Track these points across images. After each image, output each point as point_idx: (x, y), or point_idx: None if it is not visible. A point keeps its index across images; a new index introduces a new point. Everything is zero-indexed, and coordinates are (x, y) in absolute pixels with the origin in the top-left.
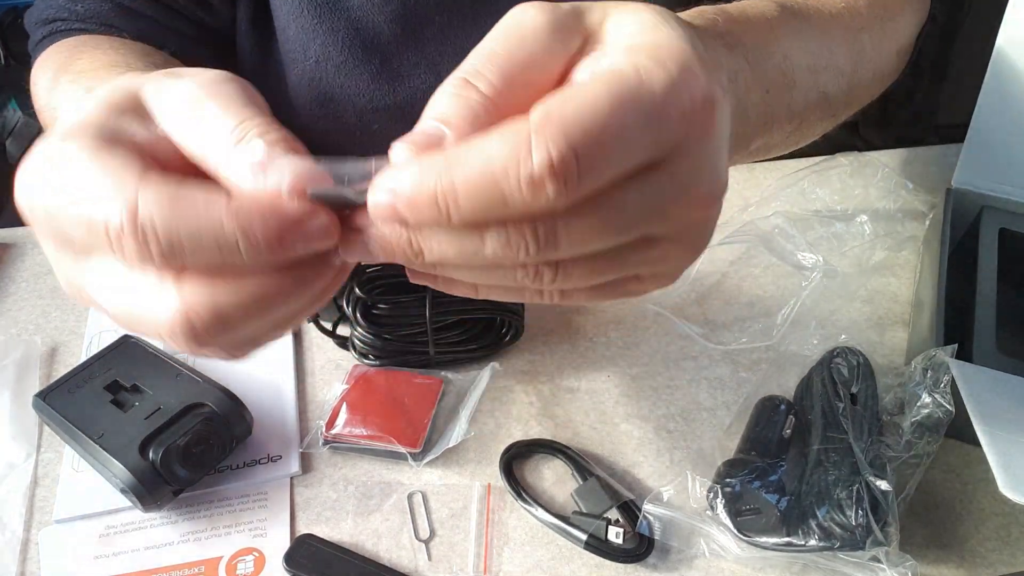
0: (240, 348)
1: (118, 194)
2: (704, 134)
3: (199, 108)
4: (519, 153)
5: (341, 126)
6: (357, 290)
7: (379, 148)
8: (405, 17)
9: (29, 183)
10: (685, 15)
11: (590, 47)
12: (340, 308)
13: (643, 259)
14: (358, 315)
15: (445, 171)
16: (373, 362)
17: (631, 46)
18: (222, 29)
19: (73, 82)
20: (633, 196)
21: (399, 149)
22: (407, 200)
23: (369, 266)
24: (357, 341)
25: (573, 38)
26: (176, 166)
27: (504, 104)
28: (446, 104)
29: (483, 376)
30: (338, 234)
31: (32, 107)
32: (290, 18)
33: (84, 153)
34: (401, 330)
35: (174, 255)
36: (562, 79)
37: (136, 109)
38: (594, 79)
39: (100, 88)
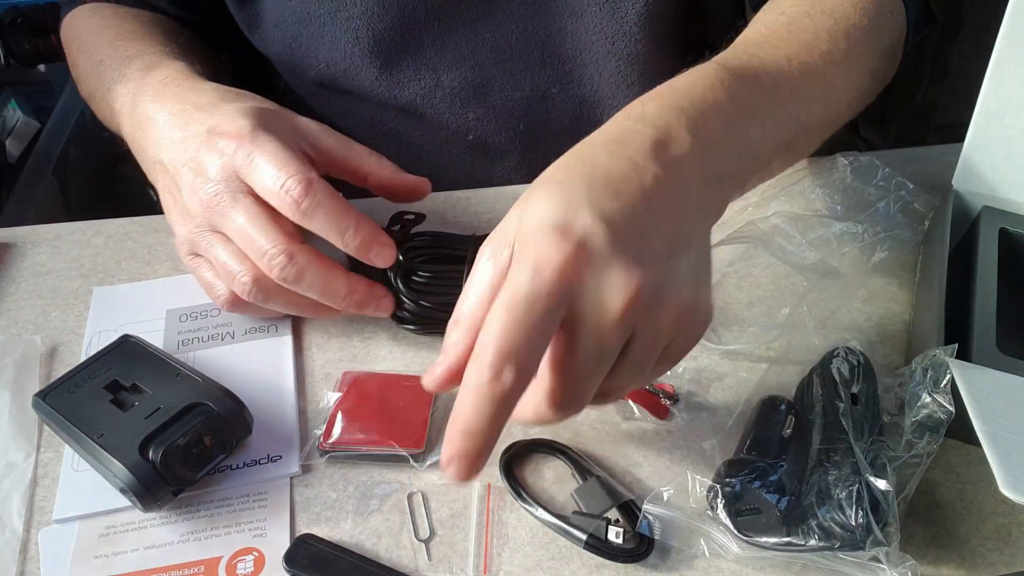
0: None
1: (306, 169)
2: None
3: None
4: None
5: (359, 119)
6: (401, 257)
7: (395, 141)
8: (403, 26)
9: (253, 122)
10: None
11: None
12: (383, 274)
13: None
14: (399, 282)
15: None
16: (411, 328)
17: None
18: (225, 29)
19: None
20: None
21: None
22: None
23: (417, 235)
24: (398, 308)
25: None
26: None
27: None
28: None
29: None
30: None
31: (32, 108)
32: (300, 26)
33: (281, 140)
34: (441, 298)
35: (310, 212)
36: None
37: (291, 126)
38: None
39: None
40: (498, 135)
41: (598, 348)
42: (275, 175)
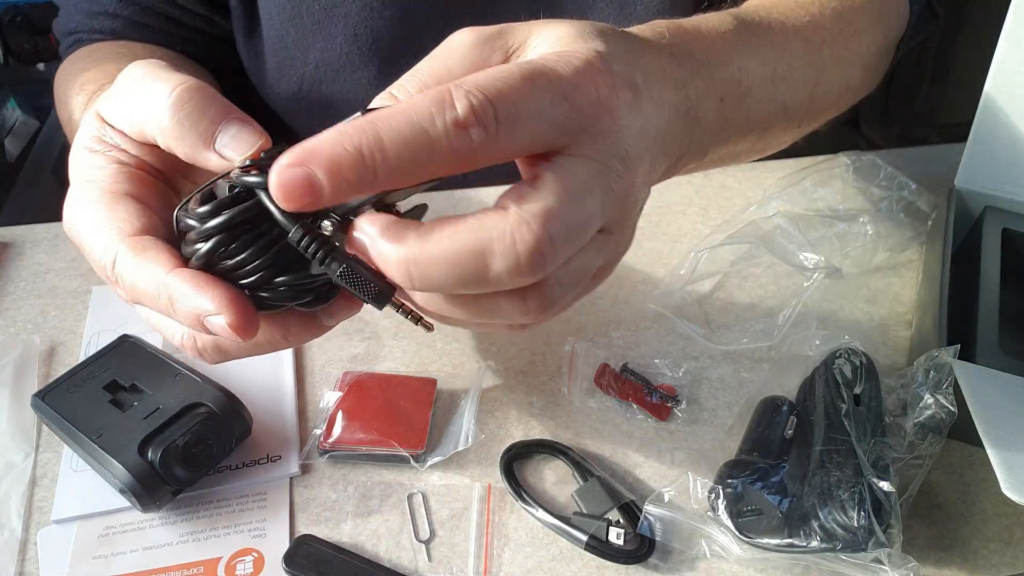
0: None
1: (105, 253)
2: (612, 119)
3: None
4: (444, 102)
5: None
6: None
7: None
8: (404, 21)
9: (67, 220)
10: (635, 29)
11: (514, 57)
12: None
13: (601, 248)
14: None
15: (368, 128)
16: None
17: (546, 51)
18: (227, 37)
19: (79, 93)
20: (574, 166)
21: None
22: (327, 160)
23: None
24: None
25: (494, 52)
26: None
27: None
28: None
29: (476, 376)
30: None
31: (31, 106)
32: (288, 25)
33: (92, 211)
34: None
35: (135, 301)
36: None
37: (102, 124)
38: (508, 65)
39: (84, 117)
40: None
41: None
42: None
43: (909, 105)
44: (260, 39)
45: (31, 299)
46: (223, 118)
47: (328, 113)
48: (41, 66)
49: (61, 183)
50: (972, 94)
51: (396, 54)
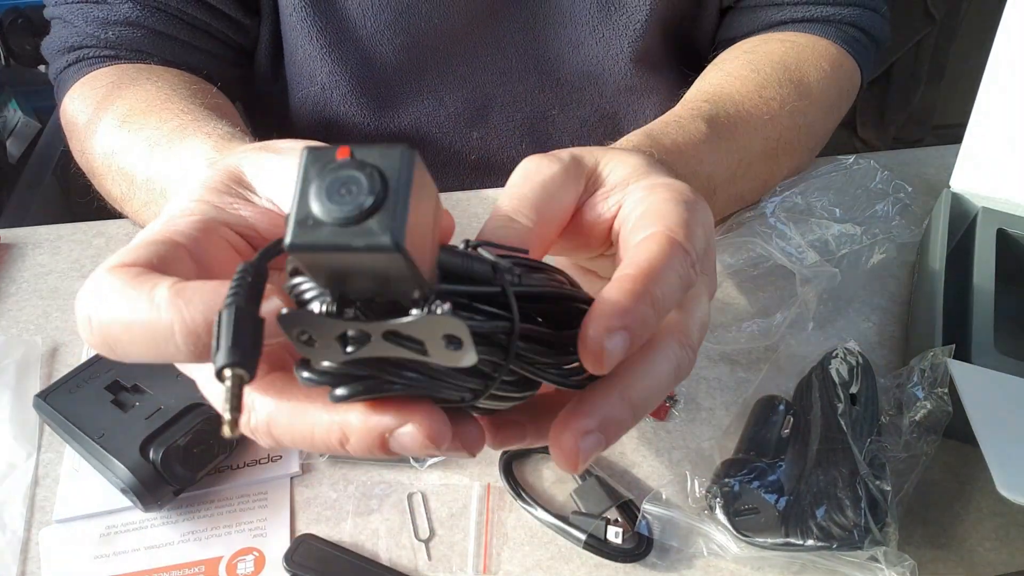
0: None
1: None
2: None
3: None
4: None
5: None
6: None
7: None
8: (412, 47)
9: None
10: (629, 148)
11: (593, 186)
12: None
13: None
14: None
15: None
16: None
17: (626, 177)
18: (248, 48)
19: (133, 131)
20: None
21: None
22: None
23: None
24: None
25: (579, 181)
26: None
27: (538, 233)
28: (500, 232)
29: None
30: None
31: (32, 108)
32: (299, 43)
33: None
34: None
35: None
36: (575, 210)
37: (239, 184)
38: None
39: (203, 172)
40: (500, 154)
41: None
42: None
43: (905, 107)
44: (282, 48)
45: (33, 300)
46: None
47: (326, 135)
48: (43, 68)
49: (62, 185)
50: (967, 96)
51: (401, 79)
